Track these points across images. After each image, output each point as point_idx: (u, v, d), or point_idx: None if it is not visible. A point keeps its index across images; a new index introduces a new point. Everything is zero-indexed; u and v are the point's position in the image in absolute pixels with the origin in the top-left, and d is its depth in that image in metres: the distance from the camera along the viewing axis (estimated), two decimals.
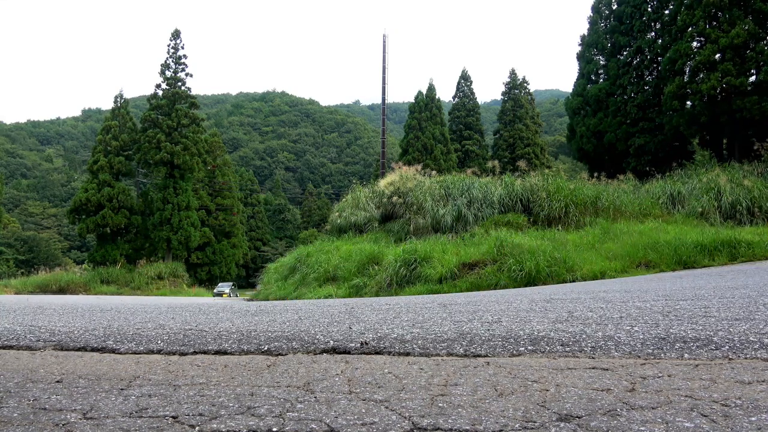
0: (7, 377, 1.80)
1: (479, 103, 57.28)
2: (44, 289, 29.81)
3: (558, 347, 2.00)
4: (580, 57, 32.79)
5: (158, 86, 44.10)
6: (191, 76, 44.99)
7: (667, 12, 27.79)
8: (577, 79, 32.92)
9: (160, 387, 1.60)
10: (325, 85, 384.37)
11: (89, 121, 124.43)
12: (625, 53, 30.05)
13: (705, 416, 1.17)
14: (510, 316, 3.04)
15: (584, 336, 2.20)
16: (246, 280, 54.27)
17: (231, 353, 2.16)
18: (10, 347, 2.46)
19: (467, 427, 1.15)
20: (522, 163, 17.31)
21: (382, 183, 18.01)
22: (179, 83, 44.20)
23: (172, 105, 43.17)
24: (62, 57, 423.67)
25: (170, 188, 43.00)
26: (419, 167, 18.21)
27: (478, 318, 3.03)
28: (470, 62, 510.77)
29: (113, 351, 2.29)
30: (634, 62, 29.49)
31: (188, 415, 1.30)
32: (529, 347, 2.02)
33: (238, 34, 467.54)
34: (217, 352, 2.18)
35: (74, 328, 3.11)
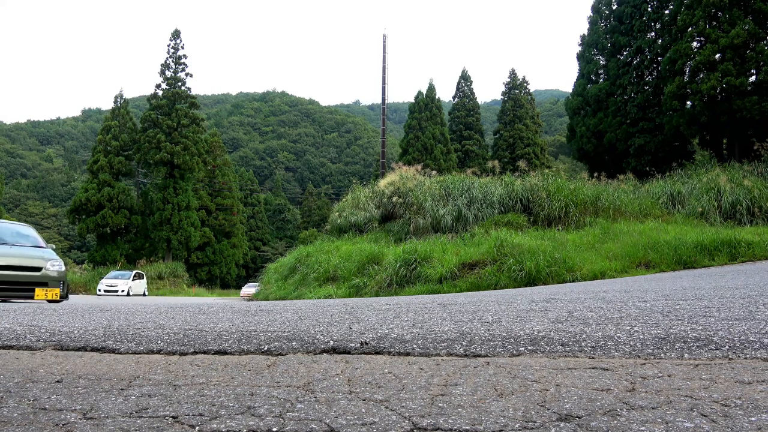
0: (7, 377, 1.80)
1: (479, 103, 57.30)
2: None
3: (558, 347, 2.00)
4: (580, 57, 32.80)
5: (158, 86, 44.14)
6: (191, 76, 45.05)
7: (667, 12, 27.80)
8: (577, 79, 32.94)
9: (160, 387, 1.60)
10: (325, 85, 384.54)
11: (89, 121, 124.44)
12: (625, 53, 30.06)
13: (705, 416, 1.17)
14: (510, 316, 3.04)
15: (584, 336, 2.20)
16: (246, 280, 54.25)
17: (231, 353, 2.16)
18: (10, 347, 2.46)
19: (467, 427, 1.15)
20: (522, 163, 17.32)
21: (382, 183, 18.01)
22: (179, 83, 44.23)
23: (172, 105, 43.19)
24: (62, 57, 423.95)
25: (170, 188, 43.03)
26: (419, 167, 18.21)
27: (478, 318, 3.03)
28: (470, 62, 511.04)
29: (113, 351, 2.29)
30: (634, 62, 29.50)
31: (188, 415, 1.30)
32: (529, 347, 2.02)
33: (238, 34, 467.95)
34: (217, 352, 2.18)
35: (74, 328, 3.11)
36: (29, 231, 10.84)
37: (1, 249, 9.19)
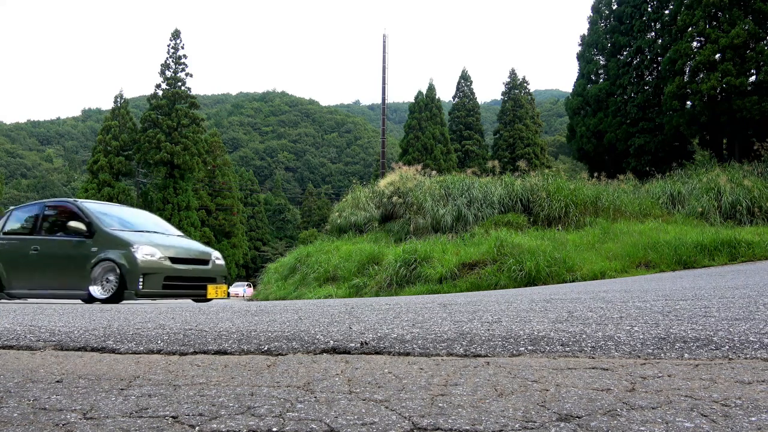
0: (7, 377, 1.80)
1: (479, 103, 57.30)
2: None
3: (558, 347, 2.00)
4: (580, 57, 32.79)
5: (158, 86, 44.14)
6: (191, 76, 45.06)
7: (667, 12, 27.80)
8: (577, 79, 32.93)
9: (160, 387, 1.60)
10: (325, 85, 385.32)
11: (89, 121, 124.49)
12: (625, 53, 30.06)
13: (705, 416, 1.17)
14: (510, 316, 3.04)
15: (584, 336, 2.20)
16: (246, 280, 54.22)
17: (231, 353, 2.16)
18: (10, 347, 2.46)
19: (467, 427, 1.15)
20: (522, 163, 17.31)
21: (382, 183, 18.00)
22: (179, 83, 44.23)
23: (172, 105, 43.20)
24: (62, 57, 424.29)
25: (170, 188, 43.03)
26: (419, 167, 18.19)
27: (478, 318, 3.03)
28: (470, 62, 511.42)
29: (113, 351, 2.29)
30: (634, 62, 29.50)
31: (188, 415, 1.30)
32: (529, 347, 2.02)
33: (238, 34, 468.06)
34: (217, 352, 2.18)
35: (74, 328, 3.11)
36: (163, 221, 9.07)
37: (167, 239, 7.45)
